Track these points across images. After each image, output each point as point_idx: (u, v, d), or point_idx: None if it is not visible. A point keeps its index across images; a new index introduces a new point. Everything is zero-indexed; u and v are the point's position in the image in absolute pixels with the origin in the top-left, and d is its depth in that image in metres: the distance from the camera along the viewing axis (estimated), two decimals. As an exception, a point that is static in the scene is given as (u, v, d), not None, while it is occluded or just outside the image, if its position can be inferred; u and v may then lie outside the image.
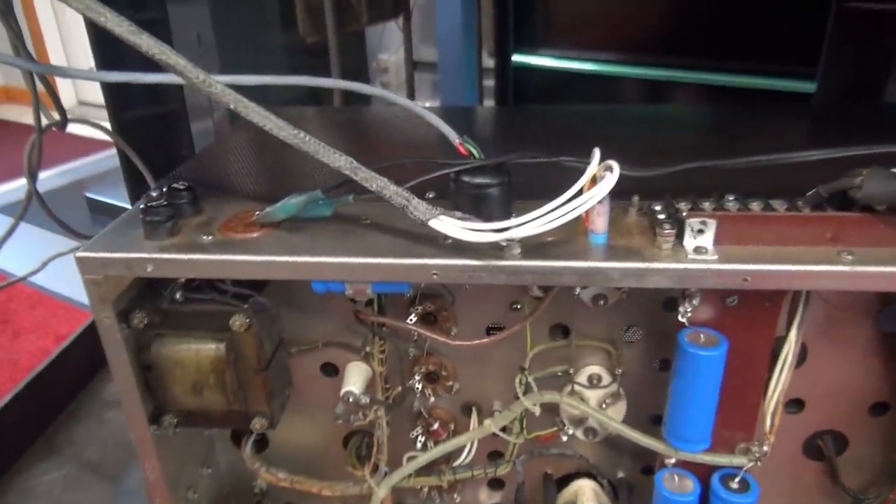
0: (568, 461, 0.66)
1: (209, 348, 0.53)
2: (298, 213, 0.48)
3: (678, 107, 1.19)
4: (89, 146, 2.60)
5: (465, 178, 0.47)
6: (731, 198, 0.48)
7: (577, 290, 0.56)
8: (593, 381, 0.61)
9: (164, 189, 0.52)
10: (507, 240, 0.44)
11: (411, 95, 2.06)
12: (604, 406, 0.61)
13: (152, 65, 0.51)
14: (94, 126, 0.98)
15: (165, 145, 1.23)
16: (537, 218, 0.42)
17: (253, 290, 0.53)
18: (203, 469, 0.66)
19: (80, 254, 0.48)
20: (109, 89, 1.11)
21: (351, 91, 0.55)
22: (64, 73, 0.52)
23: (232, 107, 0.40)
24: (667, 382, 0.61)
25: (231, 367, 0.54)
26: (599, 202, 0.44)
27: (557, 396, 0.58)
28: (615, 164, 0.43)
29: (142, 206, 0.49)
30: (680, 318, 0.51)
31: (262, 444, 0.69)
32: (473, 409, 0.64)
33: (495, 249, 0.46)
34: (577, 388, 0.60)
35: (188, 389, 0.54)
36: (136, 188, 1.22)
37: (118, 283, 0.50)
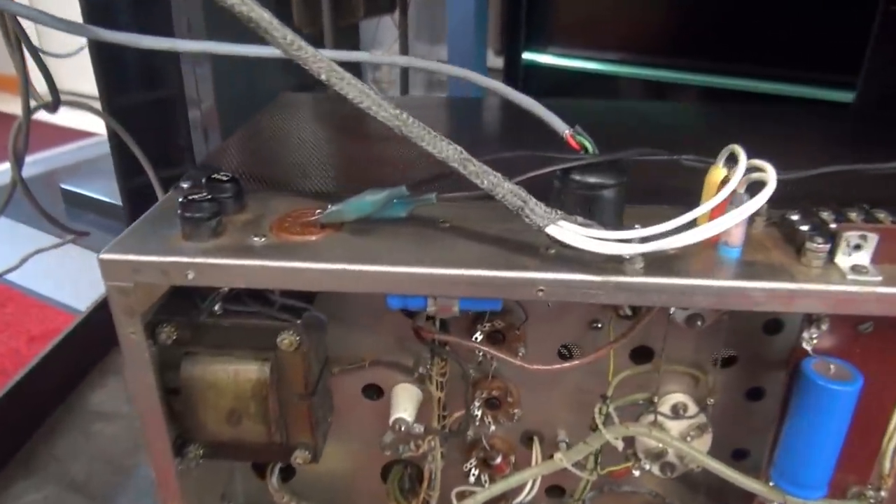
0: (637, 498, 0.59)
1: (250, 370, 0.45)
2: (374, 213, 0.40)
3: (686, 105, 1.12)
4: (62, 135, 2.46)
5: (576, 177, 0.39)
6: (866, 207, 0.42)
7: (672, 308, 0.49)
8: (678, 411, 0.54)
9: (204, 180, 0.44)
10: (633, 253, 0.37)
11: (405, 92, 1.99)
12: (688, 439, 0.54)
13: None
14: (88, 109, 0.89)
15: (162, 133, 1.14)
16: (679, 229, 0.35)
17: (305, 302, 0.45)
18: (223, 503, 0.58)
19: (106, 256, 0.39)
20: (103, 71, 1.02)
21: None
22: (60, 25, 0.42)
23: (323, 77, 0.32)
24: (755, 413, 0.55)
25: (274, 393, 0.46)
26: (738, 209, 0.37)
27: (645, 430, 0.50)
28: (769, 167, 0.36)
29: (180, 200, 0.41)
30: (804, 345, 0.44)
31: (286, 472, 0.61)
32: (535, 439, 0.57)
33: (612, 262, 0.38)
34: (660, 418, 0.53)
35: (222, 417, 0.46)
36: (129, 179, 1.12)
37: (150, 292, 0.42)
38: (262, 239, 0.41)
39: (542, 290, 0.38)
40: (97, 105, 0.97)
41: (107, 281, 0.40)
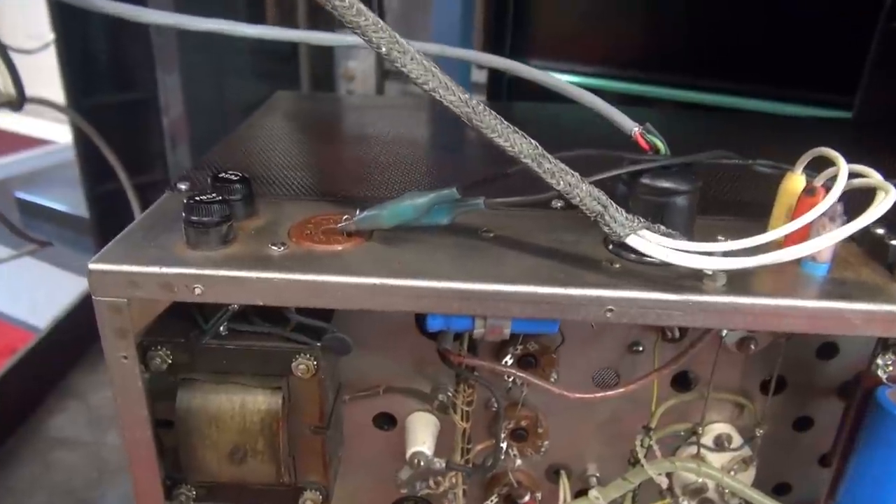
0: (670, 537, 0.54)
1: (259, 401, 0.39)
2: (415, 219, 0.35)
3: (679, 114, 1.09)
4: (15, 142, 2.34)
5: (647, 181, 0.34)
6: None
7: (725, 330, 0.45)
8: (722, 443, 0.49)
9: (210, 179, 0.38)
10: (717, 268, 0.32)
11: (380, 93, 1.97)
12: (731, 473, 0.49)
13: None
14: (56, 109, 0.82)
15: (132, 138, 1.07)
16: (769, 245, 0.30)
17: (324, 321, 0.39)
18: (212, 549, 0.51)
19: (96, 266, 0.33)
20: (71, 68, 0.95)
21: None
22: None
23: (384, 50, 0.27)
24: (801, 445, 0.51)
25: (285, 426, 0.40)
26: (832, 221, 0.33)
27: (693, 465, 0.46)
28: (875, 174, 0.32)
29: (185, 202, 0.35)
30: (878, 372, 0.40)
31: (281, 510, 0.54)
32: (562, 474, 0.52)
33: (689, 280, 0.34)
34: (702, 450, 0.49)
35: (224, 455, 0.40)
36: (95, 186, 1.05)
37: (146, 309, 0.36)
38: (282, 248, 0.36)
39: (611, 311, 0.33)
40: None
41: (96, 296, 0.33)
